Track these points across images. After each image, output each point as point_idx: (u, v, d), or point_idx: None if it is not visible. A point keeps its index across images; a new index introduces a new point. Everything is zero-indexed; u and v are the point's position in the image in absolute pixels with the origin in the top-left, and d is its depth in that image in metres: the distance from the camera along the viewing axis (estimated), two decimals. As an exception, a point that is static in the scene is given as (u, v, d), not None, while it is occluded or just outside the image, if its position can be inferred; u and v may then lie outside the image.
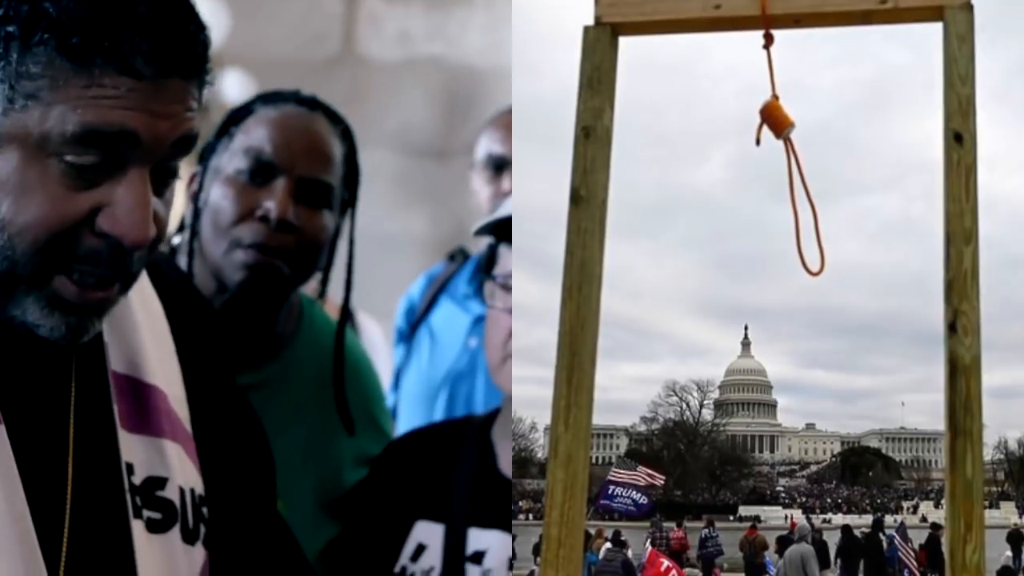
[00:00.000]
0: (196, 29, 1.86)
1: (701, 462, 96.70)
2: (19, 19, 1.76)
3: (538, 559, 4.19)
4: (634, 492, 25.30)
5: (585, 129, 2.63)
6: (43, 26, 1.75)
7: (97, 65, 1.75)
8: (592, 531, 23.55)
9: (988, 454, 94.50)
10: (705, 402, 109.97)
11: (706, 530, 27.86)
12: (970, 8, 2.51)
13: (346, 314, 3.19)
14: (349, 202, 3.14)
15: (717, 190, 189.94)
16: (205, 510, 2.09)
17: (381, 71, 8.08)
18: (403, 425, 3.61)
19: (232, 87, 6.76)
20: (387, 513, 2.99)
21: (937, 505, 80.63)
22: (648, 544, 21.95)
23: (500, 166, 3.94)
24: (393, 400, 3.92)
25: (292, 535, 2.41)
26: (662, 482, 32.99)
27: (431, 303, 4.10)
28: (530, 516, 60.25)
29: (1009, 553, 25.96)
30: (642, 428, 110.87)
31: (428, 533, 2.93)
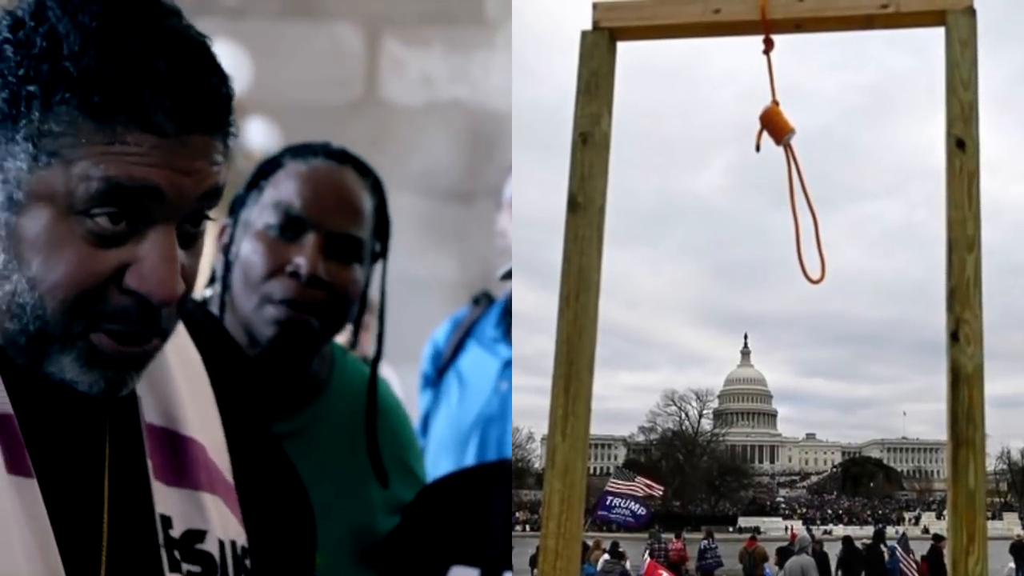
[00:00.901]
0: (218, 82, 1.87)
1: (700, 472, 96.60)
2: (40, 78, 1.78)
3: (535, 571, 4.18)
4: (632, 503, 25.27)
5: (583, 135, 2.63)
6: (64, 85, 1.76)
7: (119, 122, 1.77)
8: (590, 542, 23.55)
9: (991, 464, 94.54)
10: (704, 412, 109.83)
11: (705, 541, 27.86)
12: (973, 12, 2.51)
13: (378, 363, 3.21)
14: (380, 253, 3.17)
15: (716, 197, 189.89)
16: (248, 562, 2.09)
17: (404, 114, 8.18)
18: (433, 470, 3.62)
19: (256, 134, 6.82)
20: (422, 559, 3.00)
21: (939, 516, 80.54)
22: (646, 556, 21.95)
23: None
24: (422, 445, 3.94)
25: None
26: (660, 493, 32.92)
27: (458, 348, 4.12)
28: (527, 527, 60.19)
29: (1012, 565, 25.91)
30: (640, 438, 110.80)
31: None
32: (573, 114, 2.66)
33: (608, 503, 25.34)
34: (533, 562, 21.55)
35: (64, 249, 1.79)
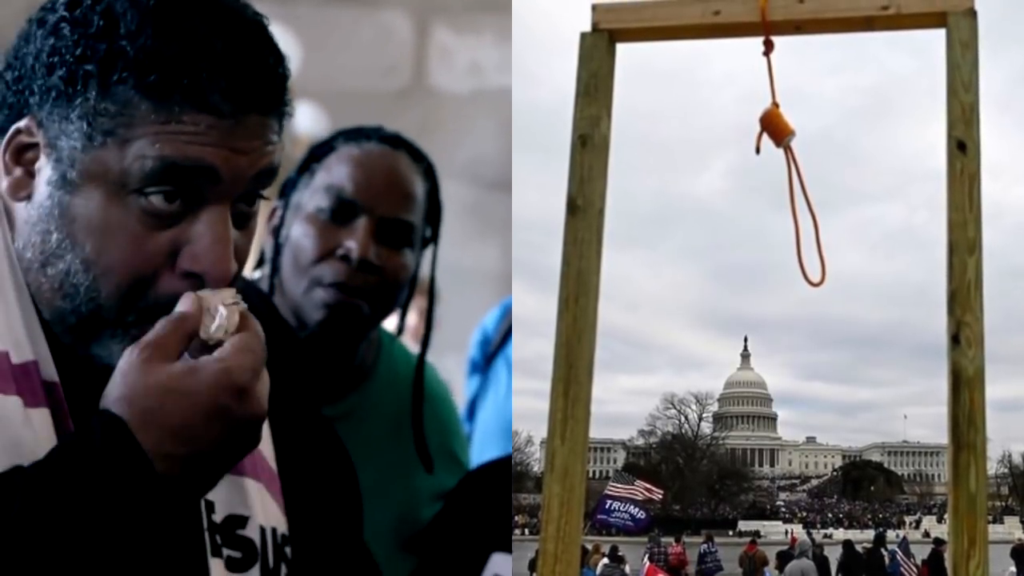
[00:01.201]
0: (275, 62, 1.89)
1: (700, 476, 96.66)
2: (97, 58, 1.79)
3: (534, 575, 4.17)
4: (632, 507, 25.26)
5: (582, 137, 2.63)
6: (121, 65, 1.78)
7: (176, 102, 1.78)
8: (589, 546, 23.53)
9: (992, 468, 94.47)
10: (704, 415, 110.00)
11: (705, 545, 27.82)
12: (973, 14, 2.51)
13: (426, 349, 3.22)
14: (431, 239, 3.18)
15: (716, 199, 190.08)
16: (288, 550, 2.09)
17: (452, 102, 8.22)
18: (478, 457, 3.62)
19: (304, 119, 6.85)
20: (463, 546, 3.02)
21: (940, 520, 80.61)
22: (646, 560, 21.95)
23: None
24: (467, 431, 3.94)
25: (379, 569, 2.42)
26: (660, 496, 32.95)
27: (507, 334, 4.11)
28: (526, 531, 60.14)
29: (1013, 569, 25.89)
30: (640, 441, 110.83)
31: (504, 565, 2.95)
32: (572, 116, 2.66)
33: (607, 507, 25.33)
34: (532, 566, 21.54)
35: (118, 230, 1.80)
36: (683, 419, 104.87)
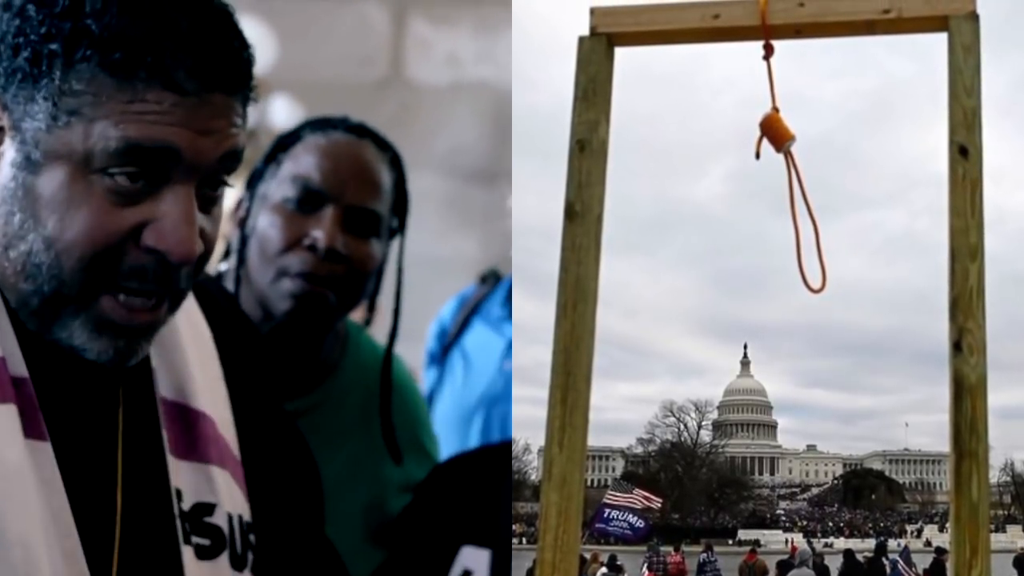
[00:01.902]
0: (239, 45, 1.91)
1: (699, 484, 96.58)
2: (62, 36, 1.81)
3: (532, 584, 4.17)
4: (630, 515, 25.29)
5: (580, 142, 2.63)
6: (85, 43, 1.80)
7: (140, 80, 1.80)
8: (587, 555, 23.52)
9: (994, 476, 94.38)
10: (703, 423, 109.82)
11: (704, 554, 27.81)
12: (975, 18, 2.51)
13: (393, 340, 3.23)
14: (398, 230, 3.19)
15: (716, 205, 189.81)
16: (252, 537, 2.12)
17: (429, 94, 8.30)
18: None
19: (280, 111, 6.90)
20: (433, 539, 3.02)
21: (942, 529, 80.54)
22: (645, 569, 22.00)
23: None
24: None
25: (341, 561, 2.45)
26: (659, 505, 32.98)
27: (463, 325, 4.13)
28: (523, 540, 60.07)
29: (1016, 578, 25.88)
30: (639, 449, 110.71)
31: (474, 559, 2.95)
32: (570, 121, 2.65)
33: (606, 516, 25.35)
34: (530, 575, 21.55)
35: (81, 207, 1.82)
36: (682, 427, 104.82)
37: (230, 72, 1.88)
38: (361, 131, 3.14)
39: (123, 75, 1.79)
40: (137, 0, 1.81)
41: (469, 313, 4.15)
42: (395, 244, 3.21)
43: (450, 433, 3.88)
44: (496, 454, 3.20)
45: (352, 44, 8.37)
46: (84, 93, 1.80)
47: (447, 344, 4.14)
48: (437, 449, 3.43)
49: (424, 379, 4.16)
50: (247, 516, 2.12)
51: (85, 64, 1.79)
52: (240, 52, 1.91)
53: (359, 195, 3.04)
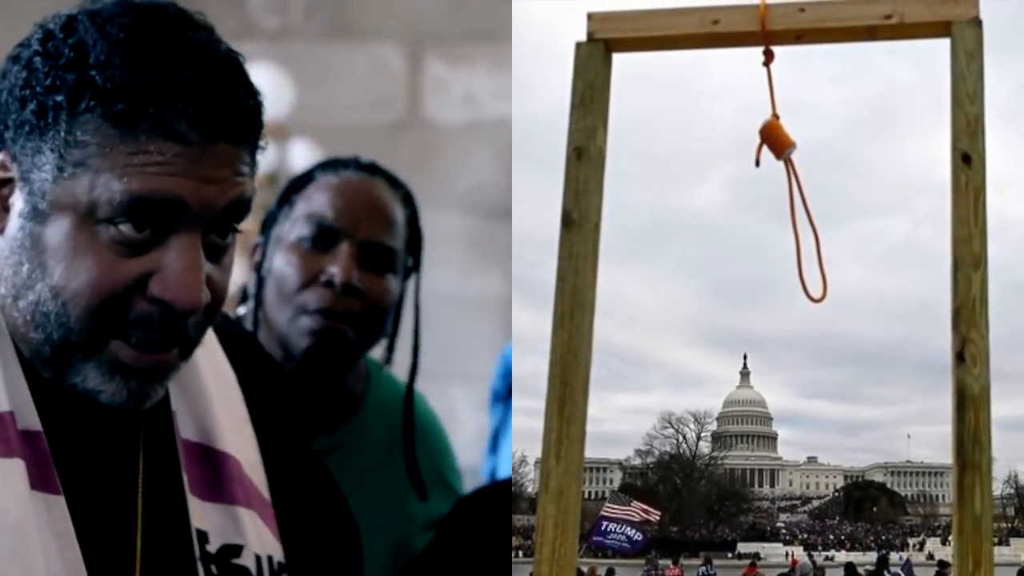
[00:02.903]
0: (246, 94, 1.93)
1: (698, 497, 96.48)
2: (66, 88, 1.84)
3: (528, 598, 4.17)
4: (628, 528, 25.27)
5: (577, 150, 2.63)
6: (89, 94, 1.83)
7: (143, 131, 1.83)
8: (585, 569, 23.53)
9: (997, 488, 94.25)
10: (702, 434, 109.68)
11: (703, 568, 27.86)
12: (979, 23, 2.51)
13: (414, 377, 3.28)
14: (413, 267, 3.25)
15: (715, 213, 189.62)
16: None
17: (448, 133, 8.43)
18: None
19: (300, 156, 7.00)
20: (458, 572, 3.05)
21: (944, 542, 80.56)
22: (643, 582, 21.96)
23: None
24: (492, 464, 3.99)
25: None
26: (658, 518, 32.94)
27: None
28: (520, 553, 60.05)
29: (1020, 592, 25.88)
30: (637, 461, 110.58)
31: None
32: (567, 128, 2.65)
33: (604, 528, 25.34)
34: (526, 589, 21.54)
35: (87, 257, 1.85)
36: (681, 438, 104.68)
37: (234, 121, 1.90)
38: (373, 169, 3.20)
39: (126, 126, 1.82)
40: (141, 52, 1.84)
41: None
42: (412, 282, 3.27)
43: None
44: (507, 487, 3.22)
45: (369, 86, 8.54)
46: (88, 144, 1.83)
47: (511, 383, 4.19)
48: (461, 484, 3.46)
49: (490, 417, 4.19)
50: (279, 556, 2.14)
51: (89, 115, 1.83)
52: (246, 100, 1.93)
53: (373, 231, 3.09)
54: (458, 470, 3.49)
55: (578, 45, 2.71)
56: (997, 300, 2.40)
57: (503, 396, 4.20)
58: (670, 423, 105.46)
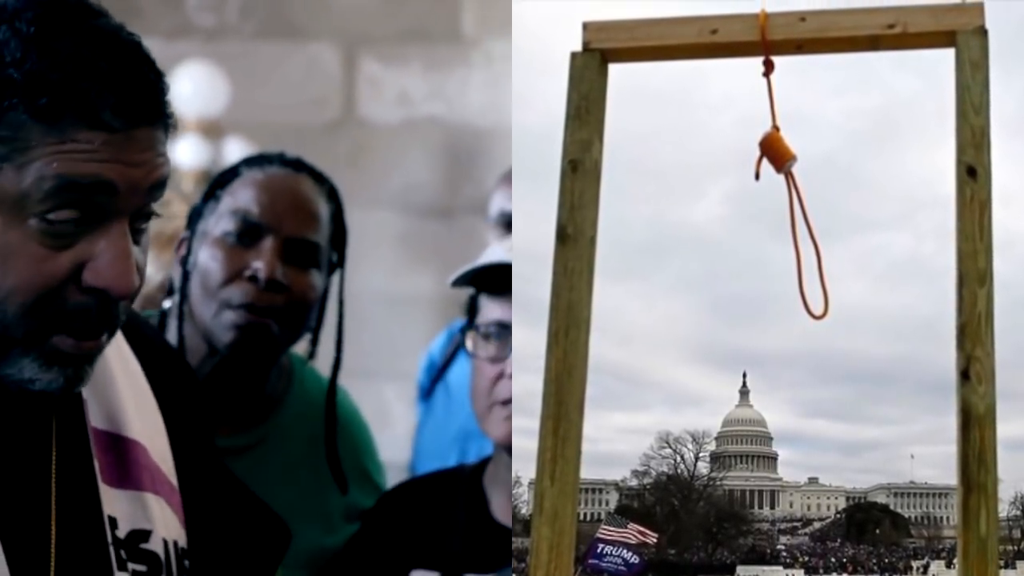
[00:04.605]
0: (155, 77, 1.96)
1: (696, 518, 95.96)
2: None
3: (522, 622, 4.18)
4: (625, 551, 25.22)
5: (572, 162, 2.63)
6: (10, 91, 1.85)
7: (68, 123, 1.85)
8: (580, 592, 23.50)
9: (1003, 510, 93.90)
10: (701, 454, 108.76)
11: (702, 592, 27.83)
12: (984, 33, 2.51)
13: (337, 372, 3.32)
14: (338, 262, 3.30)
15: (714, 227, 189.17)
16: (187, 563, 2.19)
17: (382, 133, 8.62)
18: None
19: (233, 154, 7.12)
20: (382, 564, 3.10)
21: (949, 565, 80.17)
22: (640, 606, 21.91)
23: (512, 223, 4.09)
24: (410, 456, 4.02)
25: None
26: (655, 540, 32.88)
27: (450, 359, 4.22)
28: (513, 577, 60.11)
29: (1026, 616, 25.93)
30: (633, 482, 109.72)
31: None
32: (562, 140, 2.66)
33: (599, 551, 25.29)
34: (520, 614, 21.51)
35: (20, 253, 1.87)
36: (679, 459, 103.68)
37: (151, 105, 1.94)
38: (298, 165, 3.26)
39: (50, 119, 1.85)
40: (54, 45, 1.87)
41: (456, 347, 4.22)
42: (336, 278, 3.32)
43: (430, 466, 3.93)
44: (442, 478, 3.29)
45: (303, 86, 8.76)
46: (13, 139, 1.85)
47: (435, 378, 4.22)
48: (384, 477, 3.51)
49: (417, 413, 4.23)
50: (182, 542, 2.19)
51: (12, 112, 1.85)
52: (156, 83, 1.97)
53: (297, 226, 3.14)
54: (380, 464, 3.54)
55: (573, 55, 2.71)
56: (1003, 317, 2.40)
57: (426, 391, 4.25)
58: (667, 443, 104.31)
